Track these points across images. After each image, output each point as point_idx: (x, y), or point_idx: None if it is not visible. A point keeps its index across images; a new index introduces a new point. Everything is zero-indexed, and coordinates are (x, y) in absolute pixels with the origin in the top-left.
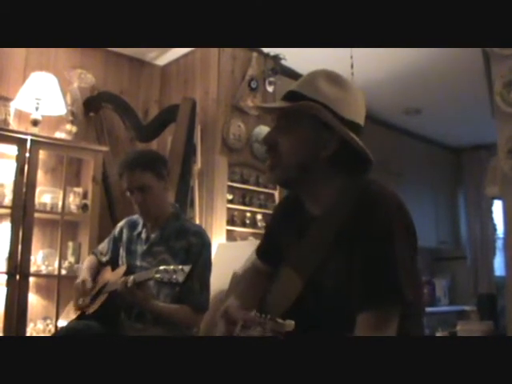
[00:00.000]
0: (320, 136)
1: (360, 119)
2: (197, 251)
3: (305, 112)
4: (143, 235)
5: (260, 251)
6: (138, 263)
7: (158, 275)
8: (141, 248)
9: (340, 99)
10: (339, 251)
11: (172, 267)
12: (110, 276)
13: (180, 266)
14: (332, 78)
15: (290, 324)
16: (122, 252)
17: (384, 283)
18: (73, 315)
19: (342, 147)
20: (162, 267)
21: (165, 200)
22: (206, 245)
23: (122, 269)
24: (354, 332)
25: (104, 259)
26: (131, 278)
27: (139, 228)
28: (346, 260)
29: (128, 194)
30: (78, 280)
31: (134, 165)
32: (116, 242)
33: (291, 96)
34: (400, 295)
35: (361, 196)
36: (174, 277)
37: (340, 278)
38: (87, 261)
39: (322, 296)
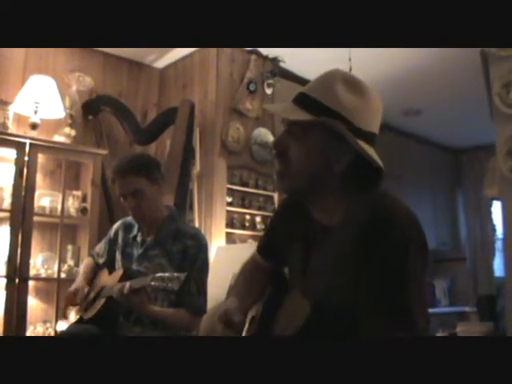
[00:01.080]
0: (335, 149)
1: (377, 129)
2: (194, 254)
3: (322, 124)
4: (139, 238)
5: (261, 247)
6: (135, 267)
7: (153, 283)
8: (137, 251)
9: (359, 109)
10: (349, 270)
11: (167, 275)
12: (106, 280)
13: (175, 274)
14: (350, 83)
15: None
16: (118, 255)
17: (397, 310)
18: (71, 319)
19: (356, 161)
20: (157, 275)
21: (159, 204)
22: (202, 247)
23: (119, 273)
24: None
25: (101, 261)
26: (127, 284)
27: (135, 231)
28: (355, 281)
29: (121, 199)
30: (72, 288)
31: (126, 170)
32: (111, 244)
33: (305, 100)
34: (412, 323)
35: (374, 211)
36: (170, 285)
37: (349, 300)
38: (84, 263)
39: (330, 318)
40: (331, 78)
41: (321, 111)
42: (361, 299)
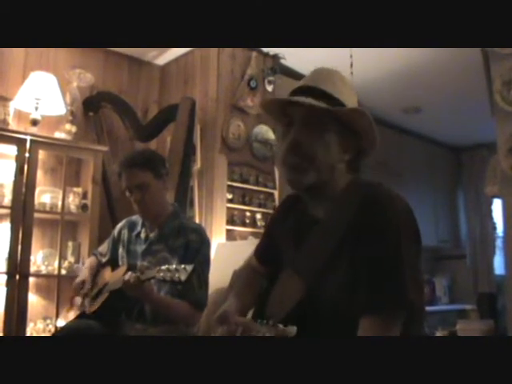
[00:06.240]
0: (347, 139)
1: None
2: (196, 248)
3: (338, 115)
4: (142, 235)
5: (258, 252)
6: (138, 263)
7: (160, 274)
8: (140, 248)
9: (354, 101)
10: (343, 254)
11: (174, 266)
12: (109, 276)
13: (182, 266)
14: (342, 77)
15: (292, 330)
16: (122, 252)
17: (389, 287)
18: (72, 315)
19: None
20: (164, 266)
21: (163, 199)
22: (204, 242)
23: (122, 269)
24: (355, 336)
25: (104, 259)
26: (134, 275)
27: (138, 228)
28: (349, 263)
29: (127, 193)
30: (78, 280)
31: (133, 164)
32: (115, 242)
33: (314, 92)
34: (405, 300)
35: (367, 199)
36: (177, 275)
37: (343, 281)
38: (87, 261)
39: (325, 300)
40: (331, 73)
41: (333, 103)
42: (355, 283)
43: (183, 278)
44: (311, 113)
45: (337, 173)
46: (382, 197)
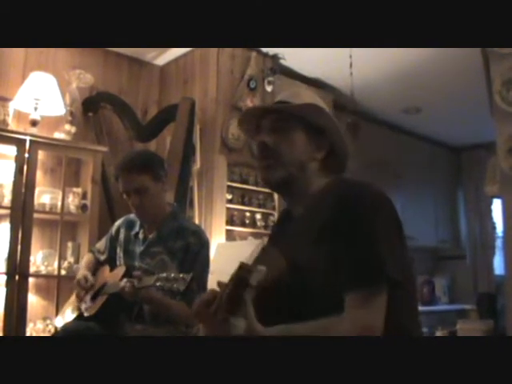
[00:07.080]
0: (315, 138)
1: None
2: (195, 251)
3: (302, 116)
4: (141, 235)
5: None
6: (137, 264)
7: (158, 283)
8: (138, 248)
9: None
10: (321, 248)
11: (173, 275)
12: (108, 276)
13: (181, 275)
14: (307, 92)
15: (262, 269)
16: (120, 252)
17: (367, 262)
18: (70, 314)
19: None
20: (162, 275)
21: (162, 201)
22: (204, 244)
23: (121, 270)
24: (337, 314)
25: (102, 258)
26: (130, 283)
27: (137, 228)
28: (330, 247)
29: (125, 196)
30: (79, 275)
31: (130, 167)
32: (113, 241)
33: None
34: (384, 273)
35: (341, 189)
36: (175, 286)
37: (324, 262)
38: (85, 258)
39: (306, 281)
40: (297, 90)
41: None
42: (335, 263)
43: (182, 288)
44: (277, 117)
45: (309, 171)
46: (353, 185)
